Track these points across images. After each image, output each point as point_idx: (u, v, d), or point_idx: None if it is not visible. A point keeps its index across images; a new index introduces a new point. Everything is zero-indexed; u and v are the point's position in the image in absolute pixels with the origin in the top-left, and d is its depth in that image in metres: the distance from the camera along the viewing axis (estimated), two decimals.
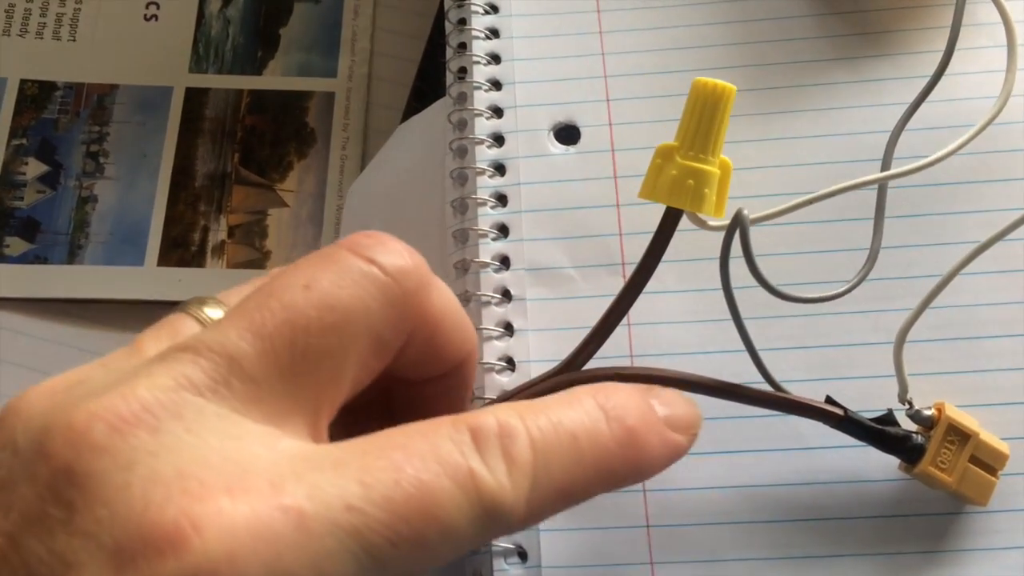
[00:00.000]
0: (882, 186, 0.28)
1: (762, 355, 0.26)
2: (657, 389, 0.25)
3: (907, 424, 0.27)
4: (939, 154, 0.28)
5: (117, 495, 0.17)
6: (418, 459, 0.19)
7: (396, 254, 0.22)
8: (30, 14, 0.47)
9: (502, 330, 0.31)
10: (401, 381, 0.25)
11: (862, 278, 0.27)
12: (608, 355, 0.29)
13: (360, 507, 0.18)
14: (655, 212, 0.25)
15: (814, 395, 0.27)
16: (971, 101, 0.31)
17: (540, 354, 0.30)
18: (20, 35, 0.46)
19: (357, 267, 0.21)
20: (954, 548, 0.27)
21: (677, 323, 0.30)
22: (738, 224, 0.24)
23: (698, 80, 0.25)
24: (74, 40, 0.47)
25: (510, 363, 0.30)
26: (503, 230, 0.32)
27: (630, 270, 0.31)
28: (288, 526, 0.18)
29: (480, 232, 0.32)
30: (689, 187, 0.24)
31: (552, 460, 0.21)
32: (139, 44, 0.47)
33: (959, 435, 0.27)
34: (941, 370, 0.29)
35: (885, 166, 0.28)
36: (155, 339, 0.22)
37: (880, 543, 0.27)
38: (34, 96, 0.45)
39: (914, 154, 0.29)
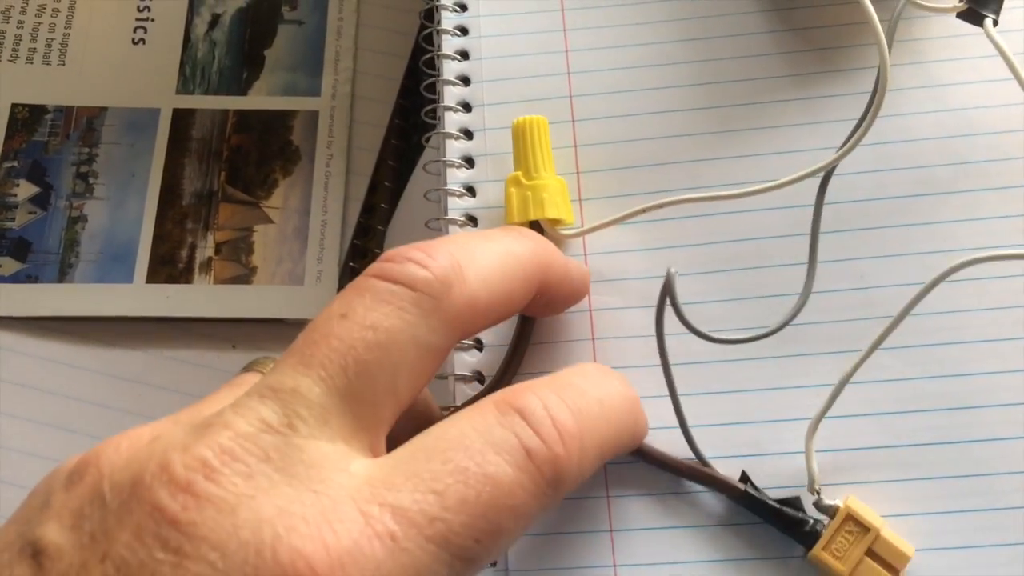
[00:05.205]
0: (814, 233, 0.30)
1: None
2: None
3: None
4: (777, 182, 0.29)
5: (227, 539, 0.19)
6: (478, 454, 0.21)
7: (416, 267, 0.23)
8: (20, 40, 0.48)
9: (471, 343, 0.32)
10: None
11: (787, 321, 0.29)
12: None
13: (440, 516, 0.20)
14: None
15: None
16: (917, 116, 0.32)
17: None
18: (11, 60, 0.48)
19: (386, 289, 0.23)
20: None
21: (639, 337, 0.31)
22: (668, 283, 0.27)
23: (515, 120, 0.32)
24: (64, 64, 0.48)
25: (480, 377, 0.31)
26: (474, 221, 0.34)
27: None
28: (384, 551, 0.19)
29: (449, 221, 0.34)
30: (541, 200, 0.31)
31: (589, 424, 0.23)
32: (127, 67, 0.48)
33: (859, 526, 0.27)
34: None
35: (818, 204, 0.29)
36: (226, 396, 0.24)
37: None
38: (25, 120, 0.46)
39: (862, 169, 0.31)
